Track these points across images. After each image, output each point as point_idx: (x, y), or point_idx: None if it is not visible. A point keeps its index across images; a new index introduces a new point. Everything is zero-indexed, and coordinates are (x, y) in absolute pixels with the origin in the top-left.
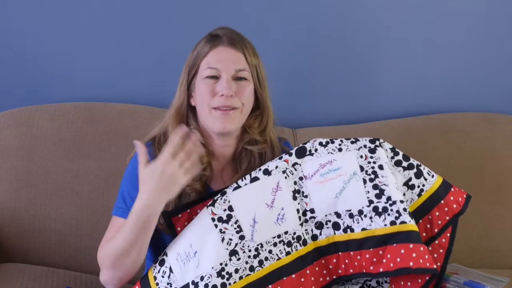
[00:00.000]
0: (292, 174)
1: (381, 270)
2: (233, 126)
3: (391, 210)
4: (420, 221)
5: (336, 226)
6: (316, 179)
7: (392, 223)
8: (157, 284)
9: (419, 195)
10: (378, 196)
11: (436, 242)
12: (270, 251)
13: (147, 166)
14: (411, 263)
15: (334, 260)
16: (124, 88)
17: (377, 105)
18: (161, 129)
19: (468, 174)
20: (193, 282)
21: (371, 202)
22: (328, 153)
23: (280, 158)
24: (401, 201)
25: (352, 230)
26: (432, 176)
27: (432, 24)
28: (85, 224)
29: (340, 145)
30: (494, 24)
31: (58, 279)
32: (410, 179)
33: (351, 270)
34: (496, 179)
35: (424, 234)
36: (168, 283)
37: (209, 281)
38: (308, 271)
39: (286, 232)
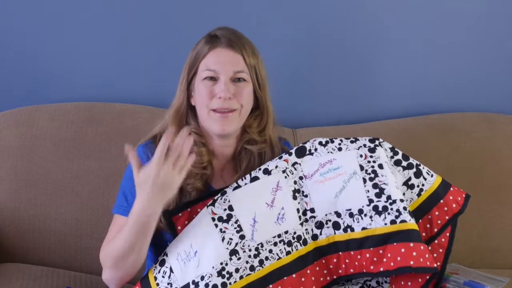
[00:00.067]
0: (292, 173)
1: (381, 269)
2: (231, 128)
3: (391, 209)
4: (420, 220)
5: (336, 226)
6: (316, 179)
7: (392, 222)
8: (157, 284)
9: (419, 194)
10: (378, 195)
11: (436, 241)
12: (270, 251)
13: (140, 171)
14: (411, 262)
15: (335, 260)
16: (124, 88)
17: (377, 105)
18: (161, 128)
19: (468, 174)
20: (193, 282)
21: (371, 201)
22: (328, 152)
23: (280, 158)
24: (401, 200)
25: (352, 230)
26: (432, 176)
27: (432, 24)
28: (85, 224)
29: (340, 144)
30: (494, 24)
31: (58, 279)
32: (409, 178)
33: (351, 270)
34: (496, 179)
35: (423, 234)
36: (168, 283)
37: (210, 281)
38: (308, 271)
39: (286, 232)
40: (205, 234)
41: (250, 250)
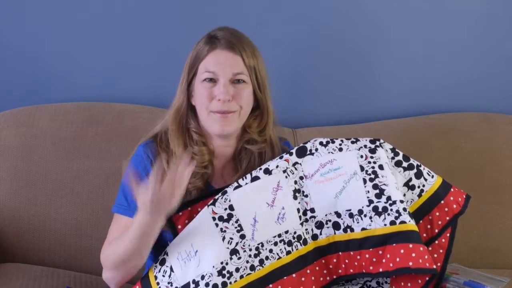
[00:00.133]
0: (293, 173)
1: (380, 270)
2: (231, 128)
3: (391, 210)
4: (421, 221)
5: (336, 226)
6: (316, 179)
7: (392, 223)
8: (157, 283)
9: (419, 195)
10: (378, 196)
11: (436, 242)
12: (270, 250)
13: (139, 194)
14: (410, 263)
15: (334, 260)
16: (124, 88)
17: (377, 105)
18: (162, 127)
19: (468, 174)
20: (194, 281)
21: (371, 202)
22: (329, 152)
23: (281, 158)
24: (401, 201)
25: (352, 230)
26: (432, 177)
27: (432, 24)
28: (85, 224)
29: (340, 145)
30: (494, 24)
31: (58, 279)
32: (410, 179)
33: (351, 270)
34: (496, 179)
35: (424, 235)
36: (169, 282)
37: (210, 280)
38: (308, 271)
39: (286, 232)
40: (205, 234)
41: (250, 249)
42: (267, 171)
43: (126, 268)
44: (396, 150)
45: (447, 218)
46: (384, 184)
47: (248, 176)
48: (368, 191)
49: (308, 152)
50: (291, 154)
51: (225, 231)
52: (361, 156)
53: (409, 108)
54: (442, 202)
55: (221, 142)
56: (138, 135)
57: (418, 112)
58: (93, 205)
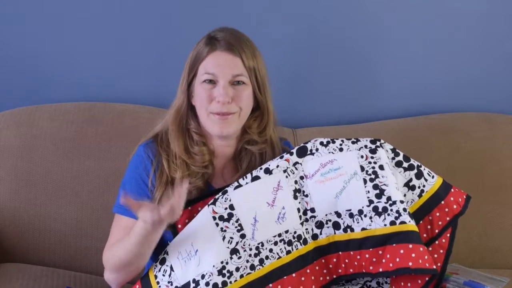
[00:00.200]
0: (293, 173)
1: (380, 270)
2: (231, 130)
3: (391, 210)
4: (421, 222)
5: (336, 226)
6: (316, 179)
7: (392, 223)
8: (157, 282)
9: (420, 196)
10: (378, 196)
11: (436, 242)
12: (270, 250)
13: (139, 214)
14: (410, 263)
15: (334, 260)
16: (124, 88)
17: (377, 105)
18: (163, 127)
19: (468, 174)
20: (194, 281)
21: (371, 202)
22: (329, 152)
23: (281, 157)
24: (401, 201)
25: (352, 230)
26: (433, 177)
27: (432, 24)
28: (85, 224)
29: (341, 145)
30: (494, 24)
31: (58, 279)
32: (410, 179)
33: (351, 270)
34: (496, 179)
35: (424, 235)
36: (169, 282)
37: (210, 280)
38: (308, 270)
39: (286, 231)
40: (206, 233)
41: (250, 249)
42: (268, 171)
43: (127, 270)
44: (397, 150)
45: (447, 218)
46: (385, 185)
47: (249, 175)
48: (368, 191)
49: (308, 152)
50: (291, 154)
51: (225, 230)
52: (362, 156)
53: (409, 108)
54: (443, 202)
55: (221, 142)
56: (138, 135)
57: (418, 112)
58: (93, 205)
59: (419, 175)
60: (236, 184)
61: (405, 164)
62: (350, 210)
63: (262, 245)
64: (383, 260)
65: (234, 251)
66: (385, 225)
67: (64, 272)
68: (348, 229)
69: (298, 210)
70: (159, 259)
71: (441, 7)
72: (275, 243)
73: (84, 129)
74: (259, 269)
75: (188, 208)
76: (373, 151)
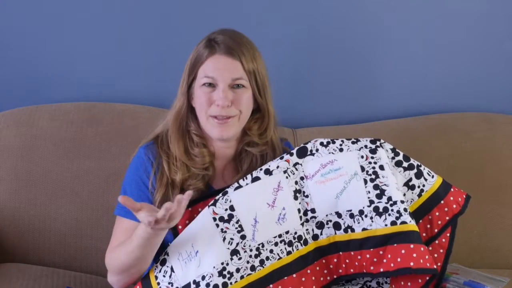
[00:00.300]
0: (293, 174)
1: (381, 270)
2: (230, 133)
3: (392, 210)
4: (420, 221)
5: (336, 226)
6: (317, 179)
7: (393, 223)
8: (158, 283)
9: (419, 195)
10: (379, 196)
11: (436, 242)
12: (271, 251)
13: (139, 217)
14: (411, 263)
15: (335, 260)
16: (124, 88)
17: (377, 105)
18: (163, 128)
19: (468, 174)
20: (194, 282)
21: (371, 202)
22: (329, 153)
23: (281, 158)
24: (402, 202)
25: (352, 230)
26: (432, 177)
27: (432, 24)
28: (85, 224)
29: (341, 145)
30: (494, 24)
31: (58, 279)
32: (410, 179)
33: (351, 270)
34: (496, 179)
35: (424, 234)
36: (169, 283)
37: (211, 281)
38: (309, 271)
39: (287, 232)
40: (206, 234)
41: (251, 250)
42: (268, 172)
43: (130, 273)
44: (397, 150)
45: (447, 218)
46: (385, 185)
47: (249, 176)
48: (369, 192)
49: (308, 153)
50: (291, 154)
51: (225, 231)
52: (362, 157)
53: (409, 108)
54: (442, 202)
55: (222, 144)
56: (138, 135)
57: (418, 112)
58: (93, 205)
59: (419, 175)
60: (236, 185)
61: (405, 164)
62: (350, 210)
63: (263, 246)
64: (384, 260)
65: (234, 252)
66: (386, 225)
67: (64, 272)
68: (349, 230)
69: (299, 210)
70: (160, 260)
71: (441, 7)
72: (276, 244)
73: (84, 129)
74: (259, 270)
75: (188, 209)
76: (373, 151)
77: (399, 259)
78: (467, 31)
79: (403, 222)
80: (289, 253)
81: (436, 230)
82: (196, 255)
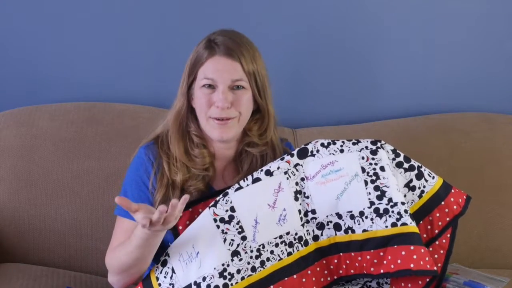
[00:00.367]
0: (294, 175)
1: (381, 271)
2: (230, 134)
3: (392, 211)
4: (421, 222)
5: (337, 227)
6: (317, 180)
7: (393, 224)
8: (159, 284)
9: (420, 196)
10: (380, 197)
11: (437, 243)
12: (271, 252)
13: (136, 217)
14: (411, 265)
15: (335, 261)
16: (124, 88)
17: (377, 105)
18: (164, 128)
19: (468, 174)
20: (195, 283)
21: (372, 203)
22: (330, 154)
23: (282, 159)
24: (402, 203)
25: (353, 231)
26: (433, 178)
27: (432, 24)
28: (85, 224)
29: (341, 146)
30: (494, 24)
31: (58, 279)
32: (411, 180)
33: (352, 271)
34: (496, 179)
35: (424, 235)
36: (170, 284)
37: (211, 282)
38: (309, 272)
39: (287, 233)
40: (207, 235)
41: (251, 251)
42: (268, 173)
43: (129, 273)
44: (397, 151)
45: (447, 219)
46: (386, 186)
47: (249, 177)
48: (370, 193)
49: (309, 154)
50: (292, 155)
51: (226, 232)
52: (363, 158)
53: (409, 108)
54: (443, 203)
55: (222, 145)
56: (138, 135)
57: (418, 112)
58: (93, 205)
59: (419, 176)
60: (237, 186)
61: (406, 165)
62: (351, 211)
63: (263, 247)
64: (384, 262)
65: (235, 253)
66: (386, 226)
67: (64, 272)
68: (349, 231)
69: (299, 211)
70: (161, 260)
71: (441, 7)
72: (276, 245)
73: (84, 129)
74: (260, 271)
75: (189, 210)
76: (374, 152)
77: (399, 261)
78: (467, 31)
79: (404, 224)
80: (289, 254)
81: (436, 231)
82: (197, 256)
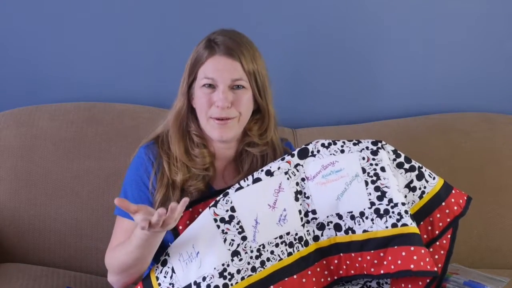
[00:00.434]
0: (294, 175)
1: (382, 272)
2: (230, 134)
3: (393, 212)
4: (422, 223)
5: (337, 227)
6: (318, 180)
7: (394, 225)
8: (159, 284)
9: (421, 197)
10: (380, 198)
11: (437, 243)
12: (272, 252)
13: (136, 218)
14: (412, 266)
15: (336, 261)
16: (124, 88)
17: (377, 105)
18: (164, 128)
19: (468, 174)
20: (195, 283)
21: (372, 204)
22: (330, 154)
23: (283, 159)
24: (403, 204)
25: (353, 232)
26: (434, 178)
27: (432, 24)
28: (85, 224)
29: (342, 146)
30: (494, 24)
31: (58, 279)
32: (411, 181)
33: (352, 271)
34: (496, 179)
35: (425, 236)
36: (170, 283)
37: (211, 282)
38: (309, 272)
39: (288, 233)
40: (207, 235)
41: (252, 251)
42: (269, 173)
43: (129, 273)
44: (398, 151)
45: (448, 219)
46: (386, 187)
47: (250, 177)
48: (370, 193)
49: (310, 154)
50: (292, 155)
51: (226, 232)
52: (363, 158)
53: (409, 108)
54: (443, 204)
55: (222, 144)
56: (138, 135)
57: (418, 112)
58: (93, 205)
59: (420, 177)
60: (237, 186)
61: (406, 166)
62: (351, 212)
63: (263, 247)
64: (385, 262)
65: (235, 253)
66: (386, 227)
67: (64, 272)
68: (350, 231)
69: (300, 212)
70: (161, 260)
71: (441, 7)
72: (276, 245)
73: (84, 129)
74: (260, 271)
75: (189, 210)
76: (375, 153)
77: (399, 261)
78: (467, 31)
79: (404, 225)
80: (289, 254)
81: (437, 232)
82: (197, 256)
